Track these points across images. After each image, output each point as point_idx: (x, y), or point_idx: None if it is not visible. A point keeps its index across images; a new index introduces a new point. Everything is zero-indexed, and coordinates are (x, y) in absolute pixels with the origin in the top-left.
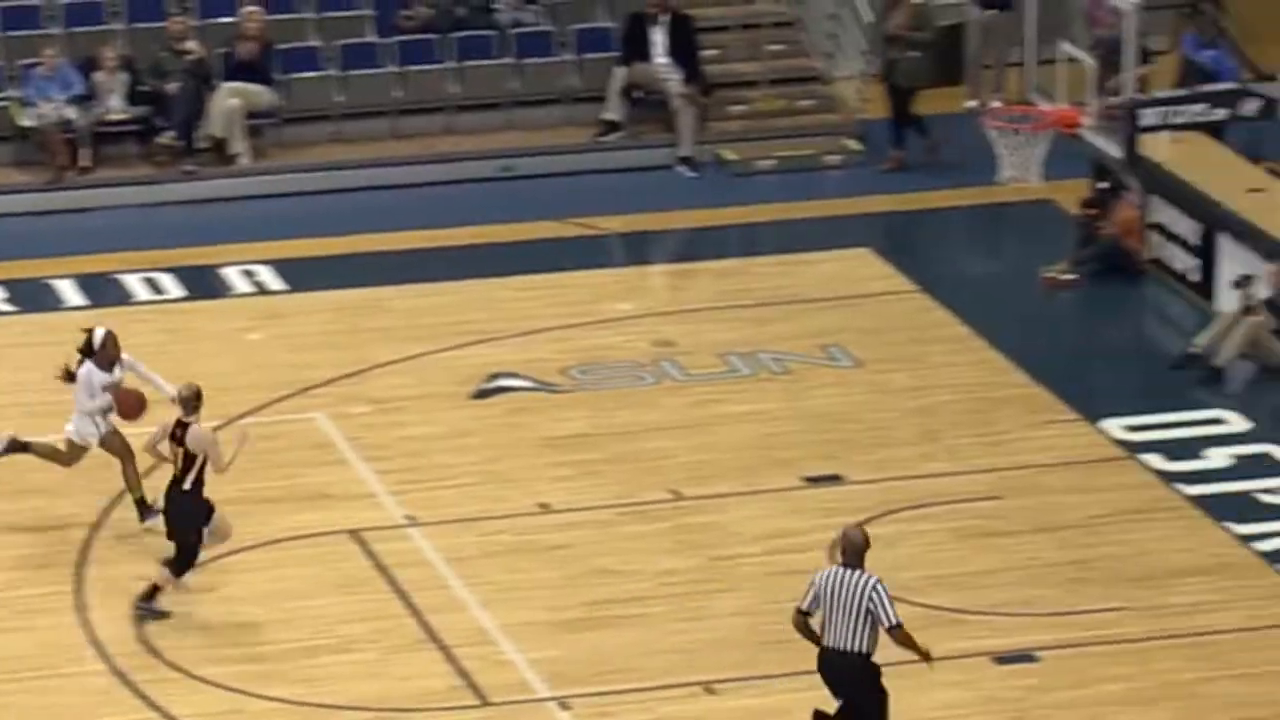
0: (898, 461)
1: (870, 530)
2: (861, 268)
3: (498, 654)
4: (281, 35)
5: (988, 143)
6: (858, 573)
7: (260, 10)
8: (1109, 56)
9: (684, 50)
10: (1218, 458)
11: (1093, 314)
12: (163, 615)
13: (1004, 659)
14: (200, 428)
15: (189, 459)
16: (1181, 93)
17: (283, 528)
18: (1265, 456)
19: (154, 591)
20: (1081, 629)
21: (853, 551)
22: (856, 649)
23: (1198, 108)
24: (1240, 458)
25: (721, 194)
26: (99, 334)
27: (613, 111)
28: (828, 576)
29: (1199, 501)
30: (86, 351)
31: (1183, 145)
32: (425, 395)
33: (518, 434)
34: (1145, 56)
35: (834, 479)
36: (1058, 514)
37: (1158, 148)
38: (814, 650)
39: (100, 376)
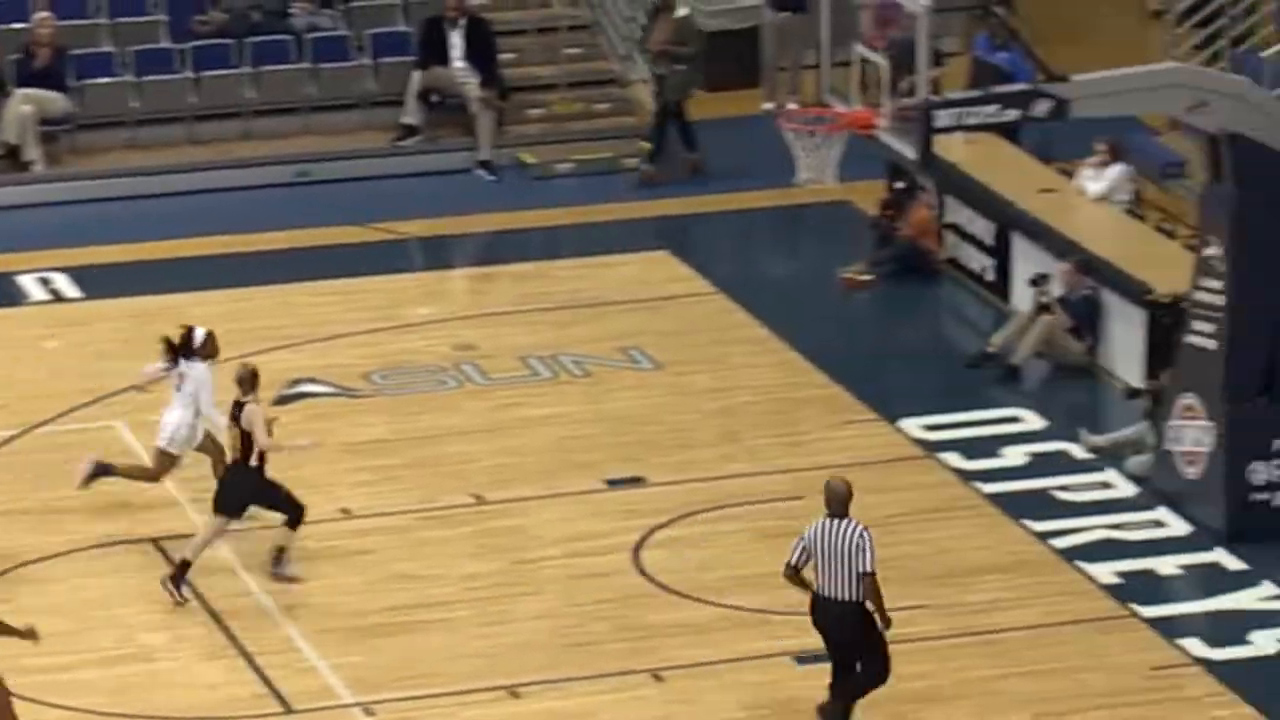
0: (699, 463)
1: (671, 532)
2: (661, 270)
3: (301, 661)
4: (75, 41)
5: (785, 145)
6: (847, 521)
7: (52, 16)
8: (901, 58)
9: (481, 54)
10: (1014, 456)
11: (890, 314)
12: (294, 580)
13: (805, 659)
14: (253, 407)
15: (247, 437)
16: (974, 94)
17: (83, 537)
18: (1061, 454)
19: (281, 554)
20: None
21: (837, 501)
22: (850, 596)
23: (990, 109)
24: (1036, 455)
25: (520, 197)
26: (201, 332)
27: (410, 115)
28: (817, 529)
29: (996, 500)
30: (186, 350)
31: (976, 146)
32: (225, 402)
33: (318, 440)
34: (937, 59)
35: (635, 481)
36: (857, 513)
37: (952, 149)
38: (622, 652)
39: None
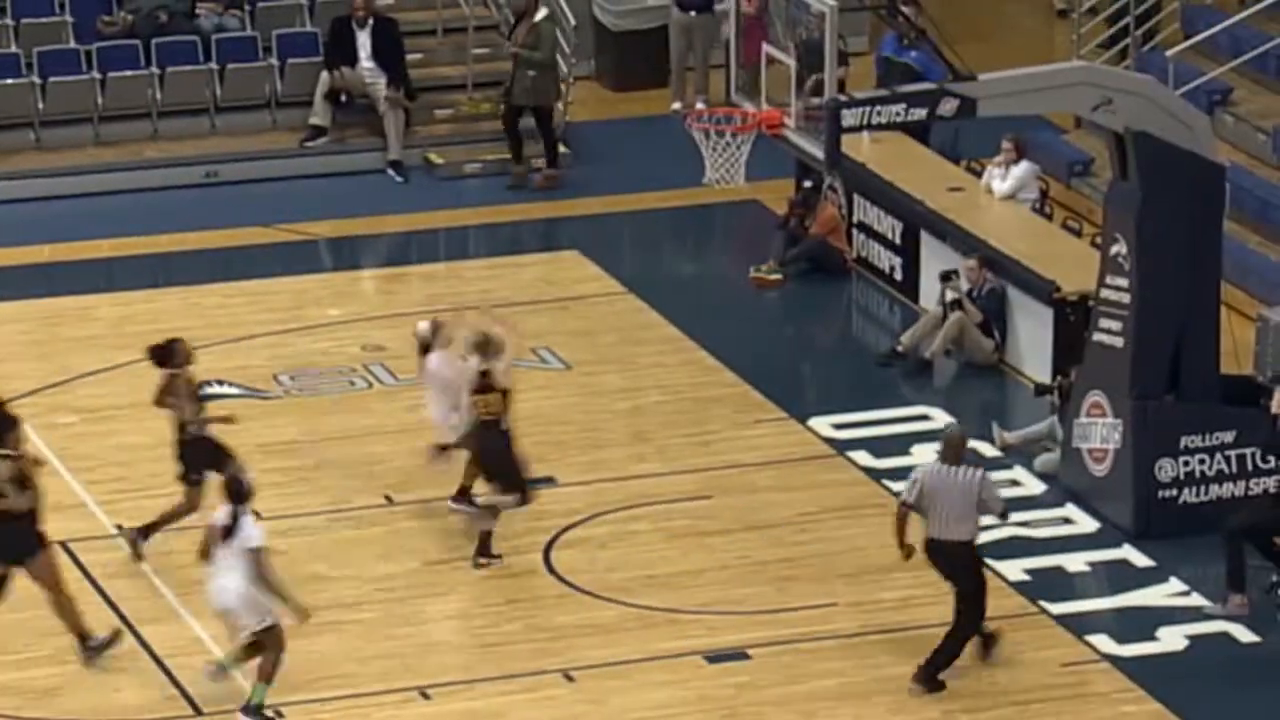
0: (609, 463)
1: (581, 533)
2: (570, 270)
3: (212, 663)
4: None
5: (693, 144)
6: (962, 468)
7: None
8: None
9: (389, 54)
10: (924, 454)
11: (800, 313)
12: (497, 558)
13: (716, 657)
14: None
15: (505, 396)
16: (882, 93)
17: None
18: (970, 451)
19: (486, 542)
20: (793, 626)
21: (951, 450)
22: (961, 538)
23: (897, 108)
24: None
25: (429, 198)
26: (428, 325)
27: (319, 116)
28: (932, 473)
29: None
30: (428, 346)
31: (884, 145)
32: (133, 404)
33: (228, 441)
34: (843, 59)
35: (546, 481)
36: (767, 512)
37: (860, 148)
38: (532, 653)
39: None
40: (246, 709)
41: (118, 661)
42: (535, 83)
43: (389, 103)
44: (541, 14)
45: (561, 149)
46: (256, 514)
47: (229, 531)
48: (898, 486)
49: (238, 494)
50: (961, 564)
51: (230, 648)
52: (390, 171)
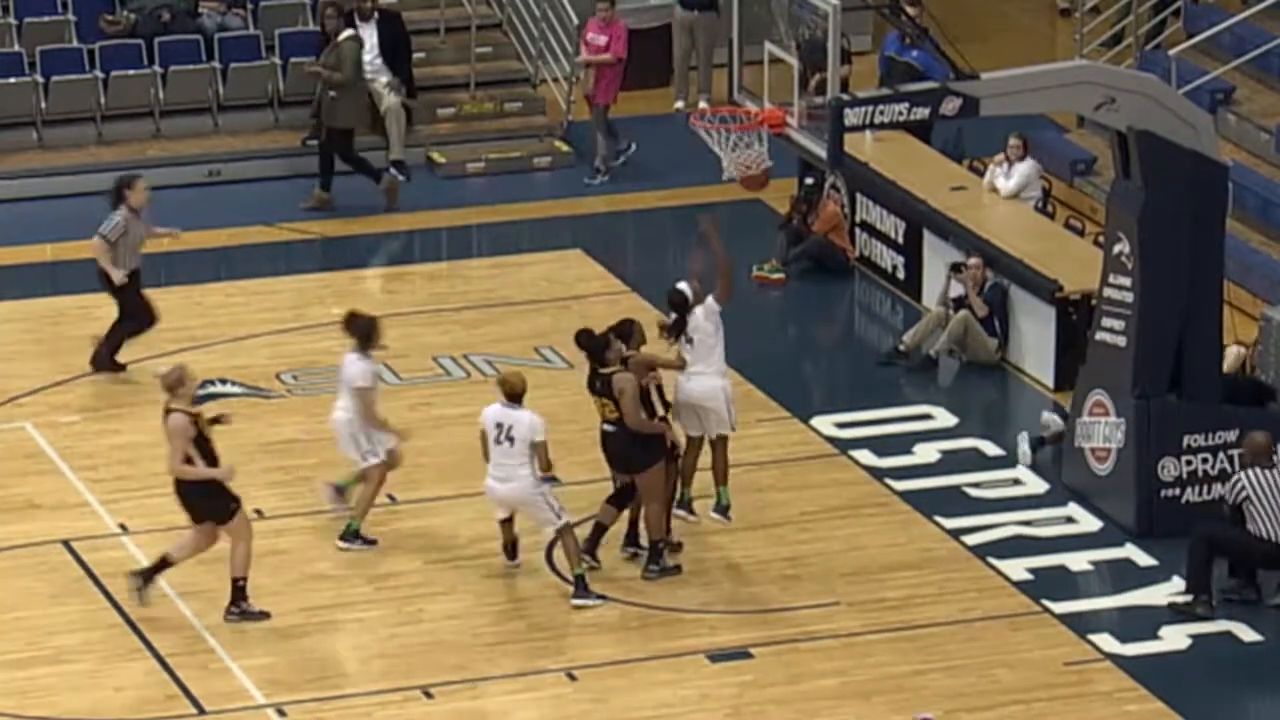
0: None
1: (583, 532)
2: (573, 269)
3: (214, 662)
4: None
5: (696, 143)
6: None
7: None
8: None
9: (394, 51)
10: (926, 453)
11: (802, 312)
12: (675, 570)
13: (718, 656)
14: (621, 377)
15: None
16: (884, 92)
17: None
18: (973, 451)
19: (657, 552)
20: (795, 625)
21: (1262, 452)
22: None
23: (899, 107)
24: (948, 453)
25: (432, 197)
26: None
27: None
28: (1255, 478)
29: (908, 497)
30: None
31: (886, 144)
32: (136, 403)
33: (230, 440)
34: (844, 57)
35: (549, 480)
36: (770, 511)
37: (862, 147)
38: (534, 652)
39: None
40: (345, 535)
41: (120, 660)
42: (336, 104)
43: (392, 101)
44: (345, 35)
45: (564, 147)
46: (259, 513)
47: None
48: (900, 485)
49: (364, 335)
50: None
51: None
52: (392, 171)
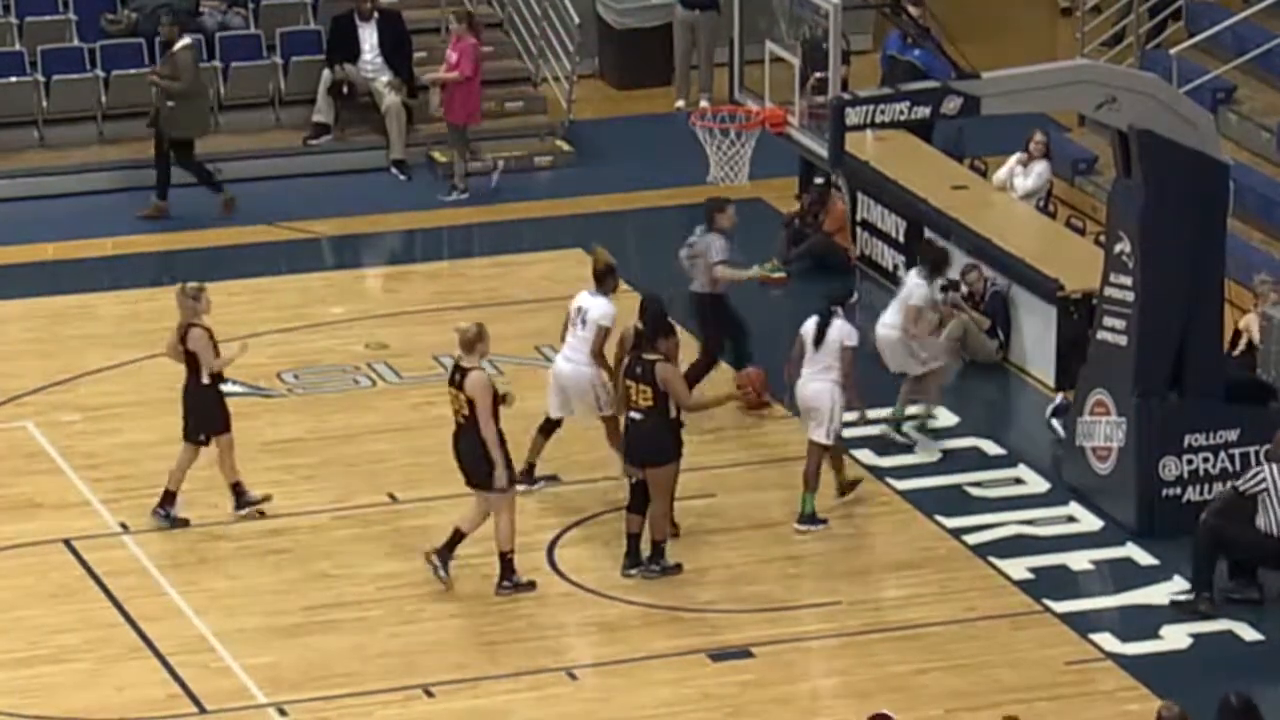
0: (613, 461)
1: (584, 531)
2: (574, 268)
3: (215, 661)
4: None
5: (697, 142)
6: None
7: None
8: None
9: (395, 50)
10: (927, 453)
11: (803, 311)
12: (676, 569)
13: (719, 655)
14: (665, 366)
15: (659, 392)
16: (885, 91)
17: None
18: (974, 450)
19: (659, 551)
20: (796, 624)
21: None
22: None
23: (900, 106)
24: (949, 452)
25: (433, 196)
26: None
27: (322, 114)
28: (1277, 472)
29: (909, 496)
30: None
31: (887, 143)
32: (137, 402)
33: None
34: (844, 57)
35: (551, 479)
36: (770, 511)
37: (863, 146)
38: (535, 651)
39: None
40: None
41: (121, 659)
42: (173, 113)
43: (391, 95)
44: (182, 43)
45: (565, 146)
46: (261, 514)
47: (820, 336)
48: (901, 485)
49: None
50: None
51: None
52: (394, 170)
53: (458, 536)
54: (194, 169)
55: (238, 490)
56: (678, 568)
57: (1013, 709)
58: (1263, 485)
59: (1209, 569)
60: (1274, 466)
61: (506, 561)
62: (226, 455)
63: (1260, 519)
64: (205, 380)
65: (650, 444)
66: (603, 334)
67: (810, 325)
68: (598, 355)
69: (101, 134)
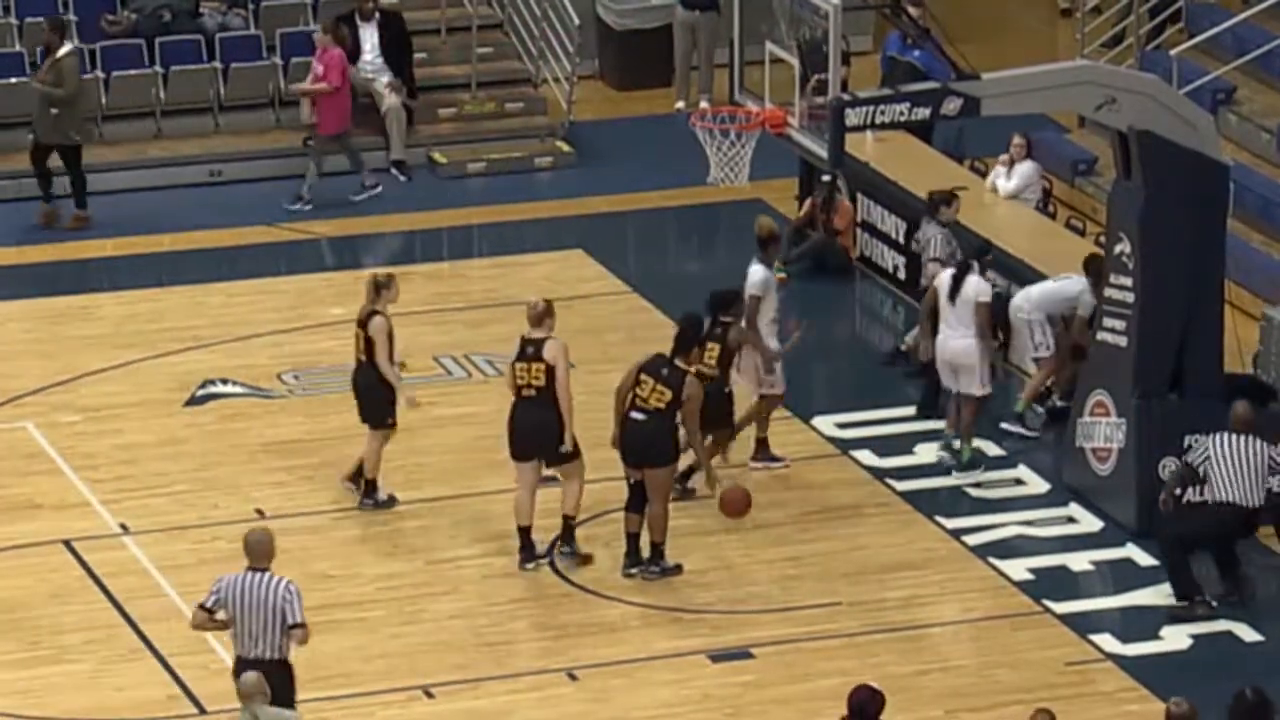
0: (613, 461)
1: (585, 532)
2: (574, 269)
3: (215, 662)
4: None
5: (697, 144)
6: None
7: None
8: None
9: (396, 51)
10: (927, 453)
11: (803, 312)
12: (676, 570)
13: (720, 656)
14: (695, 382)
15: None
16: (885, 92)
17: None
18: (974, 451)
19: (659, 553)
20: (796, 625)
21: (1246, 426)
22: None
23: (900, 107)
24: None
25: (433, 197)
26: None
27: None
28: (1220, 442)
29: (910, 497)
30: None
31: (887, 144)
32: (137, 403)
33: (231, 440)
34: (844, 58)
35: (550, 480)
36: (771, 511)
37: (863, 147)
38: (535, 652)
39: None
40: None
41: (121, 660)
42: (58, 121)
43: (393, 102)
44: (64, 50)
45: (565, 147)
46: (260, 513)
47: (955, 289)
48: (901, 486)
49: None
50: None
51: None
52: (393, 171)
53: (569, 525)
54: (77, 176)
55: (370, 483)
56: (678, 569)
57: (1013, 710)
58: (1205, 455)
59: (1188, 575)
60: (1218, 438)
61: (570, 528)
62: (377, 446)
63: (1209, 491)
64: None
65: (651, 445)
66: (754, 303)
67: (945, 279)
68: (750, 322)
69: (101, 135)
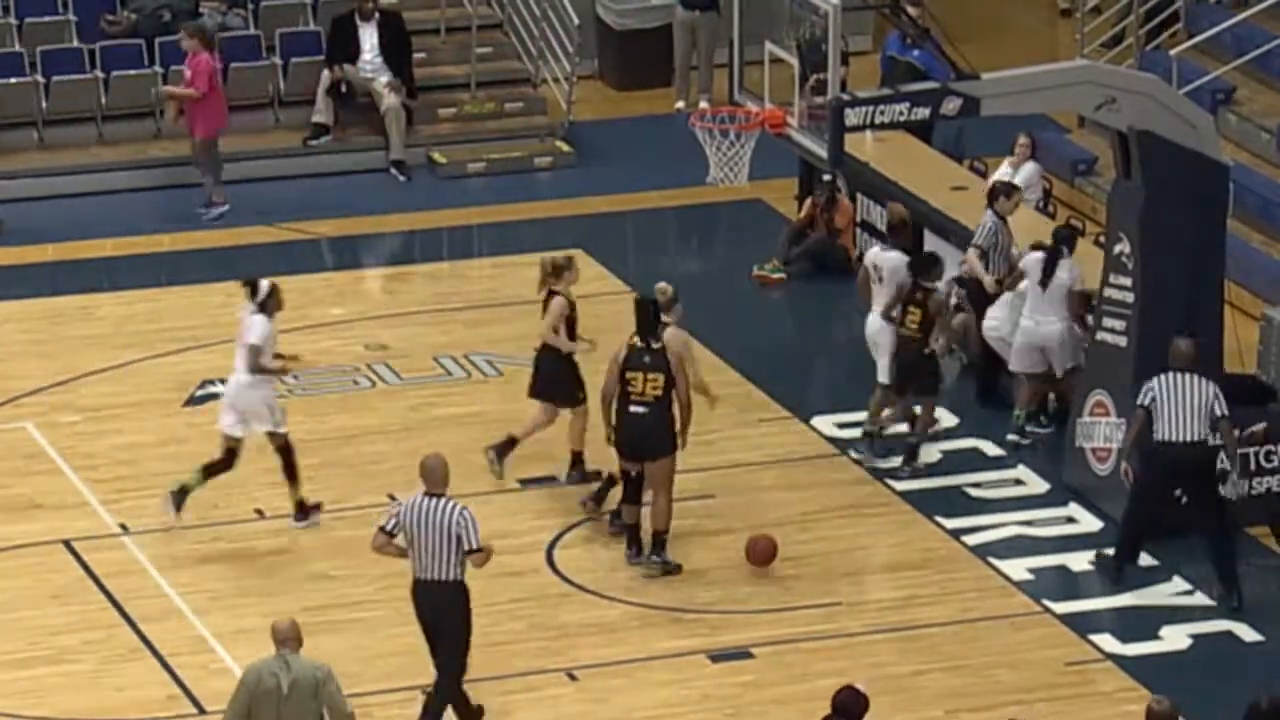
0: (612, 461)
1: (584, 532)
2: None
3: (215, 662)
4: None
5: (697, 143)
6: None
7: None
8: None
9: (395, 50)
10: (927, 453)
11: (803, 312)
12: (676, 569)
13: (720, 656)
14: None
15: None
16: (885, 92)
17: None
18: (973, 451)
19: (661, 544)
20: (796, 625)
21: (1187, 361)
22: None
23: (900, 107)
24: (949, 452)
25: (433, 197)
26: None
27: (322, 114)
28: (1165, 381)
29: (909, 497)
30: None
31: (887, 144)
32: (137, 403)
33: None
34: (843, 58)
35: (549, 480)
36: (770, 511)
37: (862, 147)
38: (535, 652)
39: None
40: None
41: (121, 660)
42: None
43: (391, 96)
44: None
45: (565, 147)
46: (259, 513)
47: (1047, 275)
48: (901, 486)
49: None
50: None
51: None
52: (393, 171)
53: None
54: None
55: (577, 458)
56: (678, 568)
57: (1013, 710)
58: (1151, 395)
59: (1135, 548)
60: (1163, 377)
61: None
62: (581, 426)
63: (1155, 430)
64: (563, 349)
65: (652, 437)
66: (899, 292)
67: (1035, 263)
68: (890, 308)
69: (101, 135)
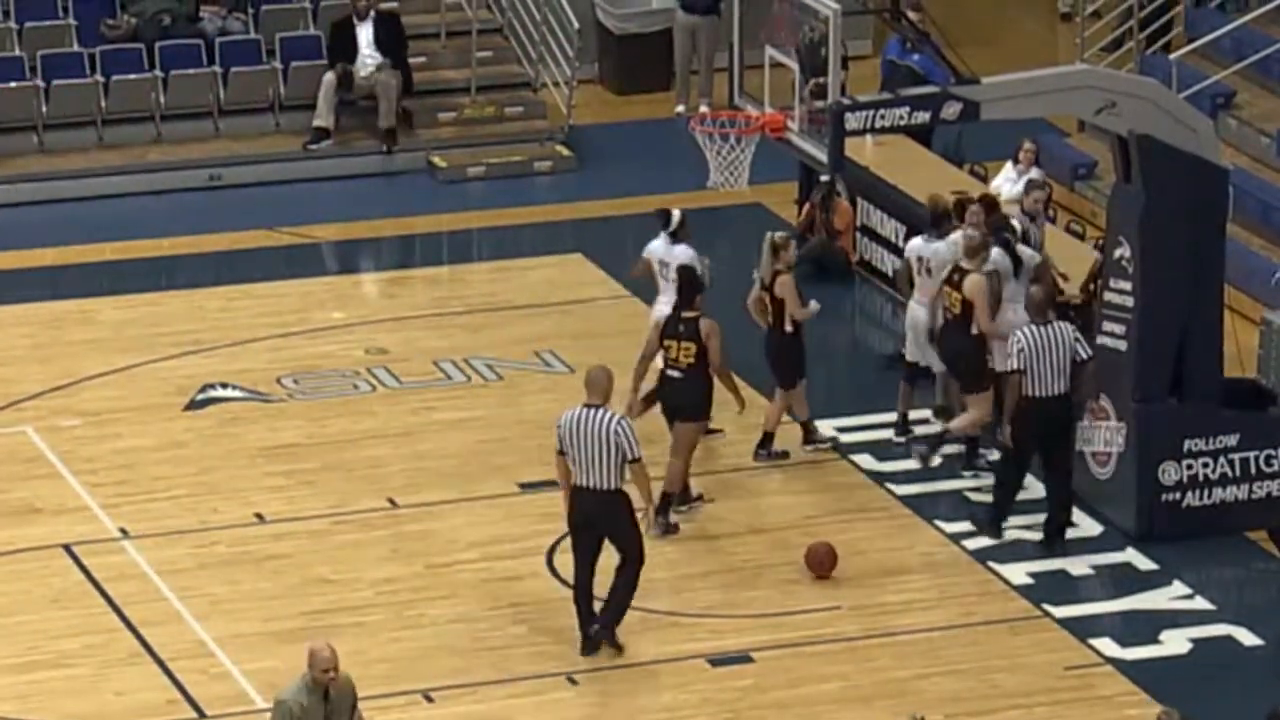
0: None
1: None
2: (574, 273)
3: (215, 666)
4: None
5: (697, 148)
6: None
7: None
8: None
9: (391, 45)
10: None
11: None
12: (674, 529)
13: (719, 661)
14: (708, 321)
15: (701, 348)
16: (885, 96)
17: None
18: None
19: (666, 504)
20: (796, 629)
21: (1039, 311)
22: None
23: (900, 111)
24: (950, 457)
25: (433, 201)
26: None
27: (322, 118)
28: (1030, 334)
29: (909, 501)
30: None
31: (887, 148)
32: (137, 407)
33: (231, 444)
34: (842, 62)
35: (549, 484)
36: (771, 515)
37: (862, 151)
38: (535, 656)
39: None
40: None
41: (121, 664)
42: None
43: (384, 74)
44: None
45: (565, 151)
46: (259, 517)
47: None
48: (901, 490)
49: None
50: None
51: None
52: (383, 147)
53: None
54: None
55: (807, 428)
56: (675, 527)
57: (1012, 714)
58: (1021, 349)
59: (1009, 494)
60: (1029, 329)
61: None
62: (799, 401)
63: (1027, 387)
64: (789, 328)
65: (686, 397)
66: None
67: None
68: (935, 296)
69: (101, 139)
